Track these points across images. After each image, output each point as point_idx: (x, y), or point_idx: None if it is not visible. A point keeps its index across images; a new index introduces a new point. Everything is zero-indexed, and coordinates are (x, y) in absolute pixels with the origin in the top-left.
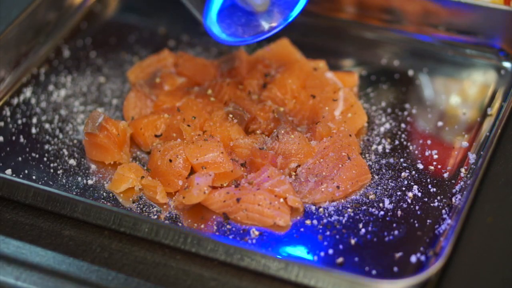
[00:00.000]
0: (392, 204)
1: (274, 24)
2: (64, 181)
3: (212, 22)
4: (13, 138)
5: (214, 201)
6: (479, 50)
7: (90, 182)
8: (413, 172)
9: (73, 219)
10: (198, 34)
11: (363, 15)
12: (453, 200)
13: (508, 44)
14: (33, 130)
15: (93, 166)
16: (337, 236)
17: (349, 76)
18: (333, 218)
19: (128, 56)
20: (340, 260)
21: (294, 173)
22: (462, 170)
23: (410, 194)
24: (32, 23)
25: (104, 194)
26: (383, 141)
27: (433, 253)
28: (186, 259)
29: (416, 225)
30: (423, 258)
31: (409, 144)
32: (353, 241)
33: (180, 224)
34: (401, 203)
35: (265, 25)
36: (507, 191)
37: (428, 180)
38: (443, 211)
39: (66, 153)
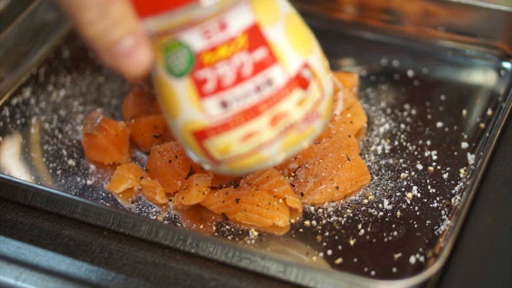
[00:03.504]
0: (391, 204)
1: None
2: (63, 181)
3: None
4: (13, 138)
5: (213, 202)
6: (479, 50)
7: (89, 182)
8: (413, 172)
9: (72, 219)
10: None
11: (363, 15)
12: (453, 200)
13: (508, 45)
14: (32, 130)
15: (92, 167)
16: (336, 237)
17: (349, 76)
18: (332, 219)
19: None
20: (339, 261)
21: (293, 174)
22: (462, 170)
23: (409, 194)
24: (32, 23)
25: (103, 194)
26: (383, 141)
27: (432, 254)
28: (186, 259)
29: (415, 226)
30: (422, 259)
31: (408, 144)
32: (352, 242)
33: (179, 225)
34: (401, 204)
35: None
36: (507, 191)
37: (428, 180)
38: (443, 211)
39: (65, 153)
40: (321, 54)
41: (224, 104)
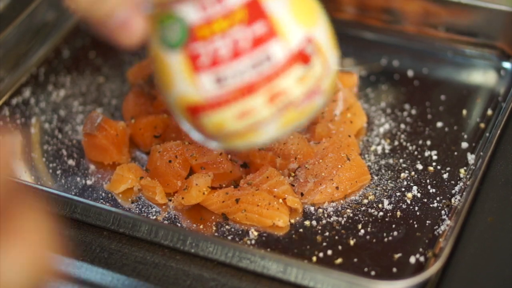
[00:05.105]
0: (391, 204)
1: None
2: (63, 181)
3: None
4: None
5: (213, 202)
6: (479, 50)
7: (89, 182)
8: (413, 172)
9: (72, 219)
10: None
11: (363, 15)
12: (453, 200)
13: (508, 45)
14: (32, 130)
15: (92, 167)
16: (336, 237)
17: (349, 76)
18: (332, 219)
19: (128, 56)
20: (339, 261)
21: (293, 174)
22: (462, 170)
23: (409, 194)
24: (31, 23)
25: (103, 194)
26: (383, 141)
27: (432, 254)
28: (186, 260)
29: (415, 226)
30: (422, 259)
31: (408, 144)
32: (352, 242)
33: (179, 225)
34: (400, 204)
35: None
36: (507, 191)
37: (428, 180)
38: (443, 211)
39: (65, 153)
40: (328, 27)
41: (219, 80)
